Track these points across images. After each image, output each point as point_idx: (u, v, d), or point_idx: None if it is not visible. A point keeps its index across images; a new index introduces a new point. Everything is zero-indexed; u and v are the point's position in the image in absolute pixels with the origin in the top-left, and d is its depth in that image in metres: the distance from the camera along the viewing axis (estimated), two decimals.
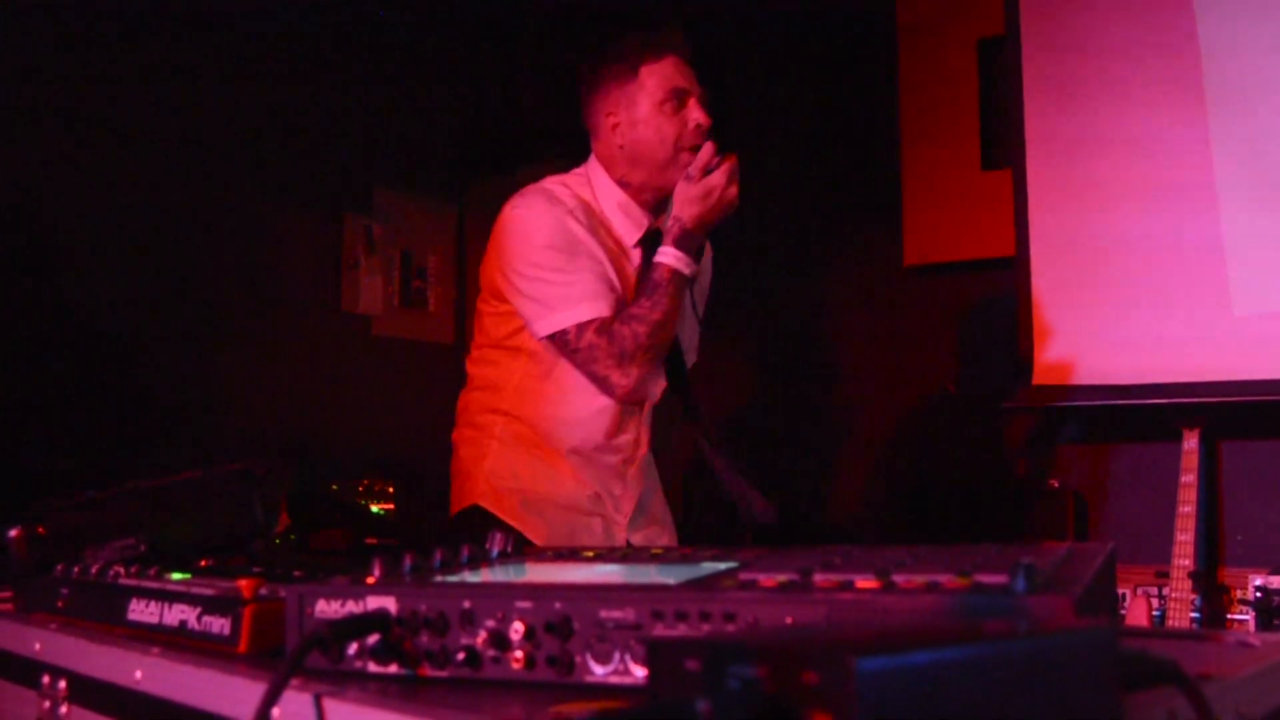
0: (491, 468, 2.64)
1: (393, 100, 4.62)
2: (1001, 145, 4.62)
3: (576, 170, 2.72)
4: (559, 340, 2.53)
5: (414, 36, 4.71)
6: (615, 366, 2.49)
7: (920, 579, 0.90)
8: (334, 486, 3.95)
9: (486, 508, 2.61)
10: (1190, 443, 3.98)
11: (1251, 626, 3.76)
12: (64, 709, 1.33)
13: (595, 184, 2.65)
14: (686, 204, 2.50)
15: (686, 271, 2.50)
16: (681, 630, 0.91)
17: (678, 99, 2.56)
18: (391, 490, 4.00)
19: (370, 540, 2.80)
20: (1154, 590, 4.01)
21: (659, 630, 0.92)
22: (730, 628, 0.90)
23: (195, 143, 3.95)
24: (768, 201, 5.10)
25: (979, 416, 4.69)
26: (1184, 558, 3.85)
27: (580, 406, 2.60)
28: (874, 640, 0.67)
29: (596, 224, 2.61)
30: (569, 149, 4.73)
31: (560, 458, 2.62)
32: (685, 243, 2.50)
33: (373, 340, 4.59)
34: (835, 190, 5.10)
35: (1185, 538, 3.86)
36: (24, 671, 1.42)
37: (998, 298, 4.56)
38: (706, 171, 2.51)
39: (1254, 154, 3.93)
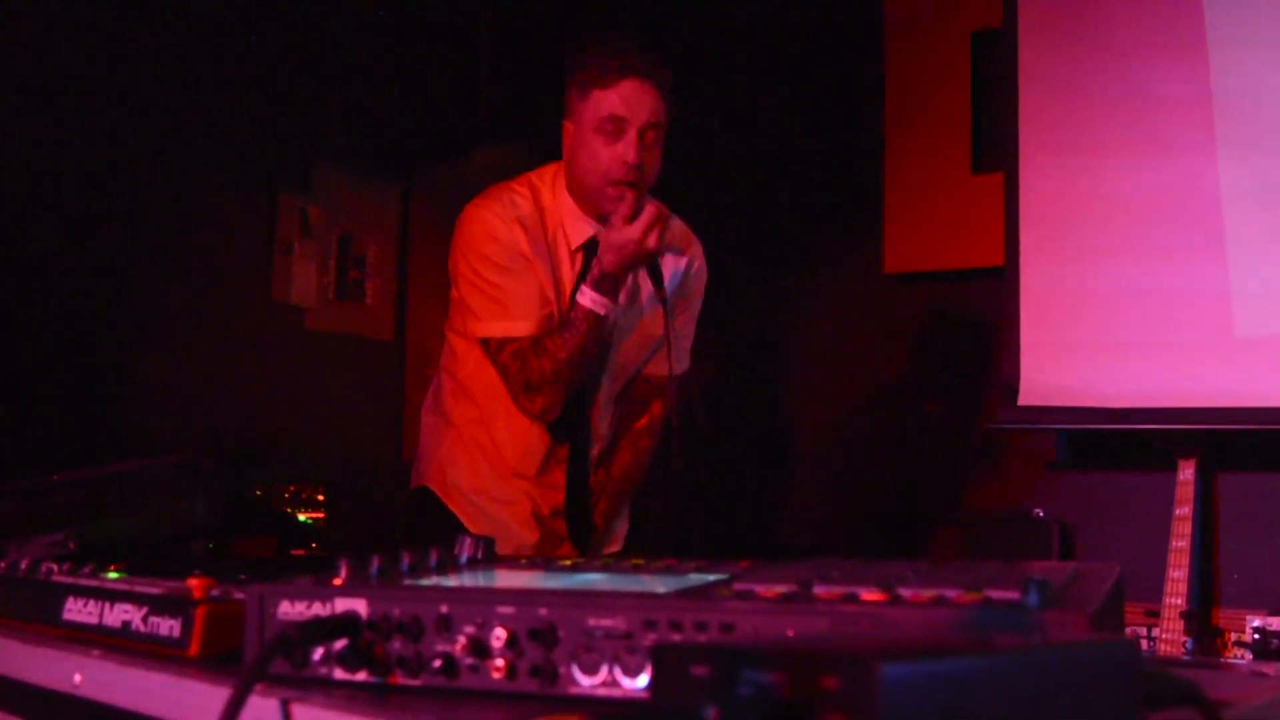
0: (447, 454, 2.98)
1: (338, 70, 4.61)
2: (994, 147, 4.68)
3: (556, 163, 2.91)
4: (484, 346, 2.82)
5: (364, 3, 4.71)
6: (521, 392, 2.78)
7: (927, 592, 0.94)
8: (258, 491, 3.94)
9: (435, 491, 2.99)
10: (1186, 473, 4.05)
11: None
12: None
13: (558, 181, 2.87)
14: (606, 250, 2.70)
15: (601, 312, 2.71)
16: (675, 640, 0.94)
17: (615, 127, 2.71)
18: (321, 498, 3.99)
19: (297, 551, 2.82)
20: (1143, 630, 4.08)
21: (650, 640, 0.95)
22: (727, 639, 0.93)
23: (114, 109, 3.93)
24: (740, 201, 5.15)
25: (960, 438, 4.76)
26: (1176, 596, 3.91)
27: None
28: (894, 648, 0.70)
29: (550, 228, 2.85)
30: (527, 134, 4.78)
31: (503, 444, 2.93)
32: (603, 285, 2.71)
33: (305, 334, 4.59)
34: (813, 191, 5.16)
35: (1178, 575, 3.93)
36: None
37: (984, 311, 4.62)
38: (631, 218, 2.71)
39: (1263, 165, 4.02)
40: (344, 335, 4.72)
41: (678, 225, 3.00)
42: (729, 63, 5.24)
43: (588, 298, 2.70)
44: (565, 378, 2.73)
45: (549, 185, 2.88)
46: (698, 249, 3.06)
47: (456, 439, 2.99)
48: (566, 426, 2.90)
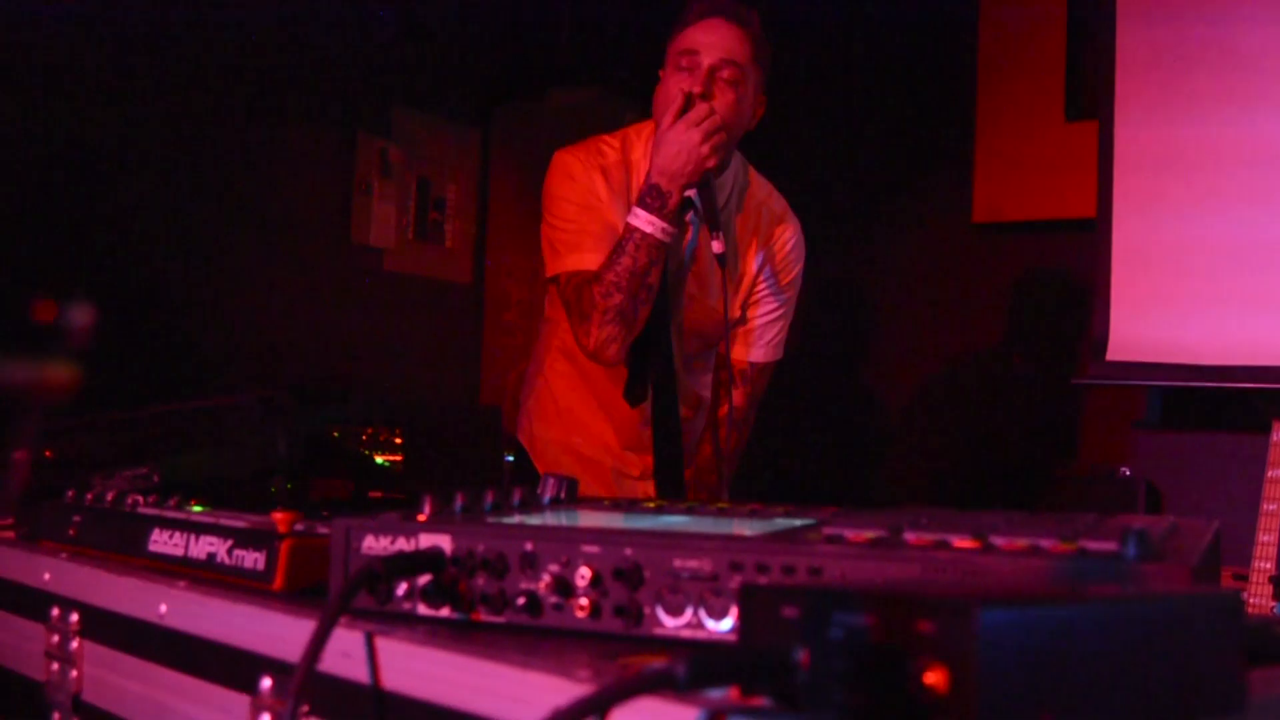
0: (534, 406, 3.01)
1: (419, 11, 4.62)
2: (1089, 94, 4.60)
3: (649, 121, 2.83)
4: (555, 286, 2.78)
5: None
6: (579, 323, 2.67)
7: (1021, 541, 0.93)
8: (335, 433, 3.98)
9: (523, 444, 3.03)
10: (1279, 434, 3.99)
11: None
12: (75, 644, 1.38)
13: (651, 138, 2.75)
14: (653, 153, 2.61)
15: (647, 229, 2.58)
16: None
17: (690, 61, 2.65)
18: (399, 441, 4.03)
19: (375, 493, 2.86)
20: None
21: (736, 583, 0.95)
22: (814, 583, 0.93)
23: (198, 53, 3.96)
24: (826, 145, 5.11)
25: (1046, 392, 4.71)
26: (1265, 560, 3.86)
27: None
28: (991, 593, 0.70)
29: (635, 182, 2.77)
30: (605, 77, 4.77)
31: (590, 408, 2.92)
32: (649, 198, 2.59)
33: (384, 275, 4.62)
34: (902, 136, 5.11)
35: (1268, 539, 3.88)
36: (30, 603, 1.46)
37: (1074, 263, 4.56)
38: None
39: None
40: (423, 277, 4.76)
41: (776, 202, 2.94)
42: (820, 7, 5.19)
43: (636, 216, 2.59)
44: (616, 305, 2.60)
45: (644, 141, 2.80)
46: (794, 227, 2.95)
47: (544, 390, 2.99)
48: (643, 385, 2.82)
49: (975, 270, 4.97)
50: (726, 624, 0.95)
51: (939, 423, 5.03)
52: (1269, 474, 3.95)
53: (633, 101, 4.45)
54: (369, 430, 4.08)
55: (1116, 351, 4.26)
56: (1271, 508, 3.91)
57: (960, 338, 5.02)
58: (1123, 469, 4.47)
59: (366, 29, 4.48)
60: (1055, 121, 4.75)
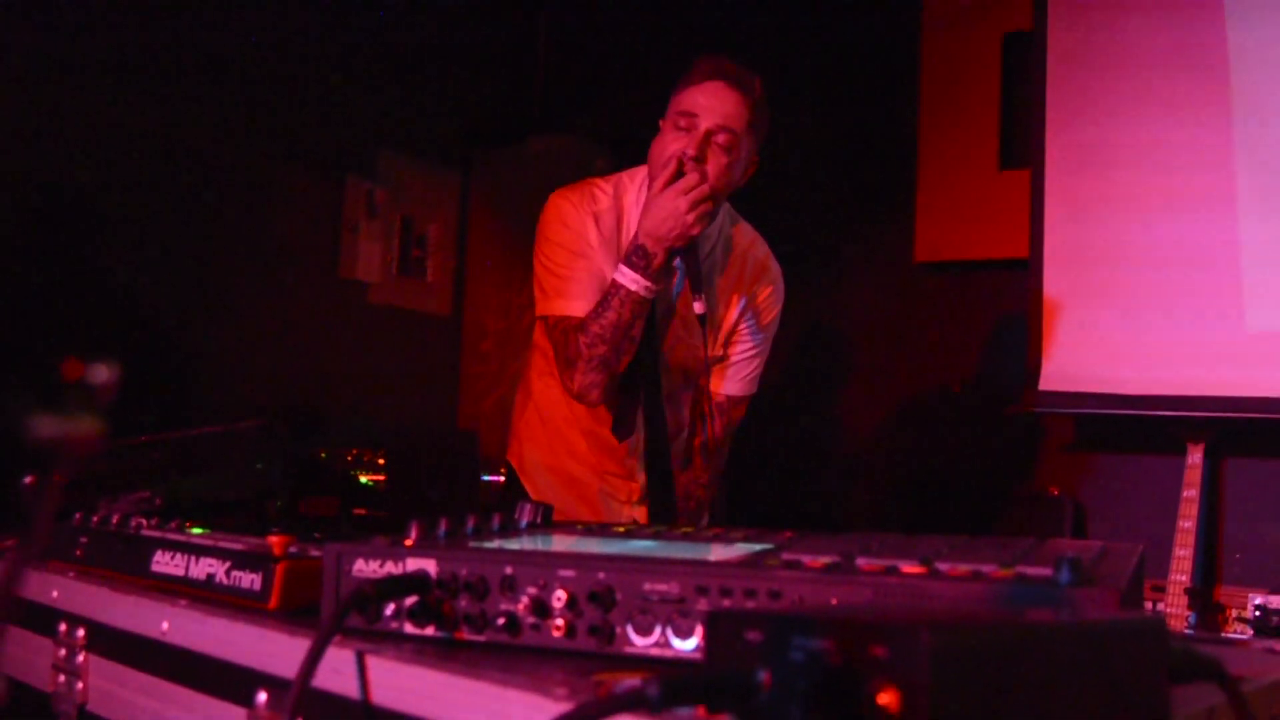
0: (524, 429, 2.96)
1: (404, 62, 4.63)
2: (1021, 145, 4.64)
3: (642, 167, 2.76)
4: (543, 324, 2.74)
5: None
6: (564, 368, 2.64)
7: (964, 567, 0.94)
8: (323, 454, 3.96)
9: (513, 465, 2.97)
10: (1194, 457, 4.02)
11: None
12: (81, 657, 1.36)
13: (644, 185, 2.70)
14: (642, 214, 2.55)
15: (632, 287, 2.53)
16: (725, 606, 0.95)
17: (689, 123, 2.56)
18: (381, 461, 4.01)
19: (359, 510, 2.84)
20: (1149, 605, 4.06)
21: (702, 605, 0.95)
22: (774, 606, 0.93)
23: (198, 95, 3.95)
24: (776, 188, 5.13)
25: (982, 419, 4.74)
26: (1181, 573, 3.90)
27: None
28: (939, 619, 0.70)
29: (625, 227, 2.71)
30: (580, 123, 4.79)
31: (577, 431, 2.87)
32: (634, 257, 2.54)
33: (369, 307, 4.61)
34: (848, 181, 5.13)
35: (1184, 553, 3.91)
36: (39, 619, 1.45)
37: (1008, 300, 4.60)
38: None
39: (1277, 169, 3.97)
40: (405, 310, 4.75)
41: (759, 248, 2.90)
42: (769, 56, 5.20)
43: (622, 274, 2.53)
44: (600, 355, 2.56)
45: (636, 187, 2.74)
46: (773, 273, 2.91)
47: (534, 415, 2.92)
48: (630, 422, 2.76)
49: (917, 306, 5.00)
50: (691, 643, 0.96)
51: (886, 449, 5.05)
52: (1184, 494, 3.99)
53: (604, 149, 4.47)
54: (354, 452, 4.06)
55: (1048, 381, 4.30)
56: (1187, 525, 3.94)
57: (904, 369, 5.04)
58: (1052, 489, 4.51)
59: (356, 81, 4.48)
60: (990, 170, 4.79)
